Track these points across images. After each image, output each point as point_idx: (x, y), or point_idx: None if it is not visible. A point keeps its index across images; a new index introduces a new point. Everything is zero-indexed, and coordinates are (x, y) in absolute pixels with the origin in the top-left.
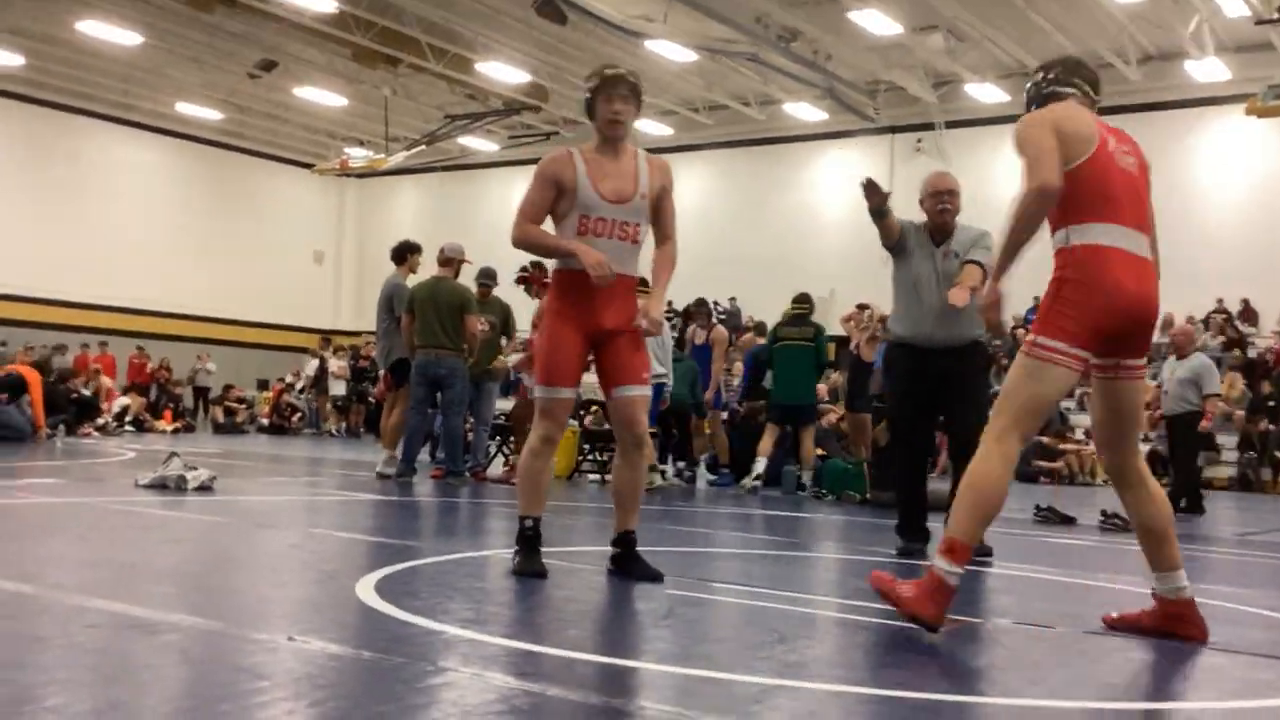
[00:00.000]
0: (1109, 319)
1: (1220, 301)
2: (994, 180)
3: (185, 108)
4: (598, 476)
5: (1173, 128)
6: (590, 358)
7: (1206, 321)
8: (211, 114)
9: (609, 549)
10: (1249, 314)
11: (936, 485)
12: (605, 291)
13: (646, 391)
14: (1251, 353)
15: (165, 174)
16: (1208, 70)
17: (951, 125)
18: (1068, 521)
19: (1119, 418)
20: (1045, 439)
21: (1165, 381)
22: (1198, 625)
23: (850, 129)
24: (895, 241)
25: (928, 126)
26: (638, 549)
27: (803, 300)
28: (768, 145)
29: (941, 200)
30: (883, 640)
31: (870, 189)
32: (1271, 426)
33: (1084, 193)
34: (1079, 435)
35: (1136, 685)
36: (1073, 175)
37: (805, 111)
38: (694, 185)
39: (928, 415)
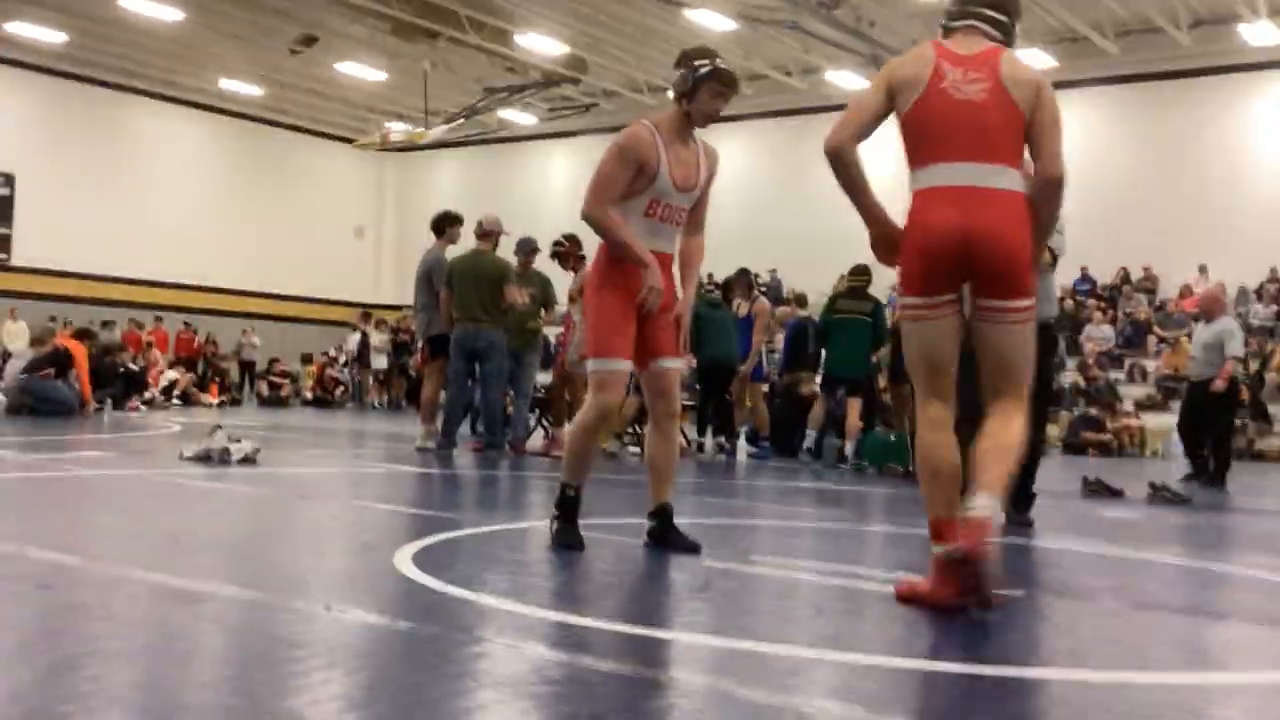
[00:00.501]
0: (925, 260)
1: (1273, 270)
2: None
3: (227, 84)
4: (638, 449)
5: (1224, 93)
6: None
7: (1259, 291)
8: (253, 90)
9: (646, 521)
10: None
11: None
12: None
13: (682, 365)
14: None
15: (208, 150)
16: (1260, 34)
17: None
18: (1116, 494)
19: (982, 362)
20: (1094, 410)
21: (1194, 347)
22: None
23: None
24: None
25: None
26: (675, 521)
27: (861, 272)
28: (810, 114)
29: None
30: (922, 614)
31: None
32: None
33: (912, 138)
34: (1128, 406)
35: (1179, 657)
36: (904, 124)
37: (848, 80)
38: (734, 157)
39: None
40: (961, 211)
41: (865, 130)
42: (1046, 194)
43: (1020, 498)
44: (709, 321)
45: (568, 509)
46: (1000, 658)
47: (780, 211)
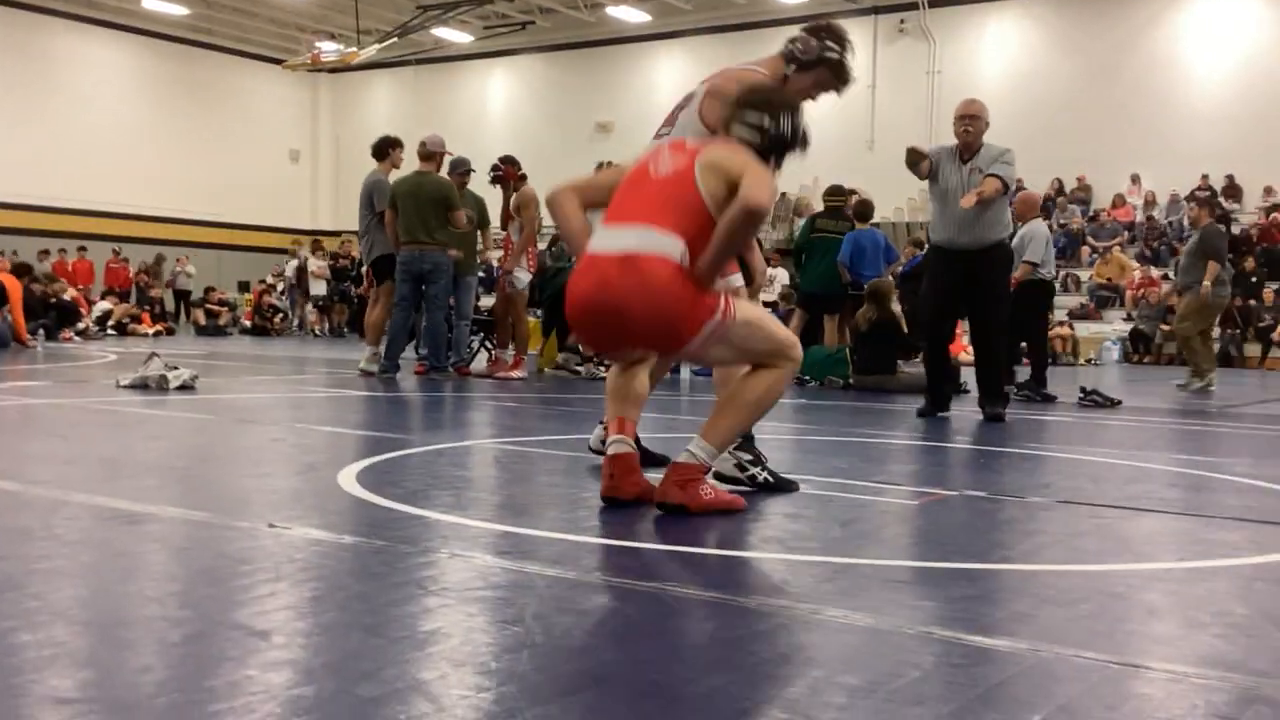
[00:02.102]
0: (578, 321)
1: (1205, 178)
2: (978, 60)
3: (151, 3)
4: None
5: (1156, 3)
6: None
7: (1190, 197)
8: (178, 9)
9: (592, 437)
10: (1233, 190)
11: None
12: None
13: None
14: (1235, 229)
15: (134, 73)
16: None
17: (935, 4)
18: (1049, 400)
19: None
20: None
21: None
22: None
23: (832, 10)
24: (927, 174)
25: (912, 7)
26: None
27: (836, 193)
28: (749, 30)
29: (963, 123)
30: (860, 515)
31: (911, 153)
32: (1253, 302)
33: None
34: (1061, 316)
35: (1106, 549)
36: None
37: None
38: (674, 74)
39: (953, 309)
40: (595, 279)
41: (585, 193)
42: (741, 221)
43: (992, 395)
44: None
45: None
46: (933, 553)
47: None
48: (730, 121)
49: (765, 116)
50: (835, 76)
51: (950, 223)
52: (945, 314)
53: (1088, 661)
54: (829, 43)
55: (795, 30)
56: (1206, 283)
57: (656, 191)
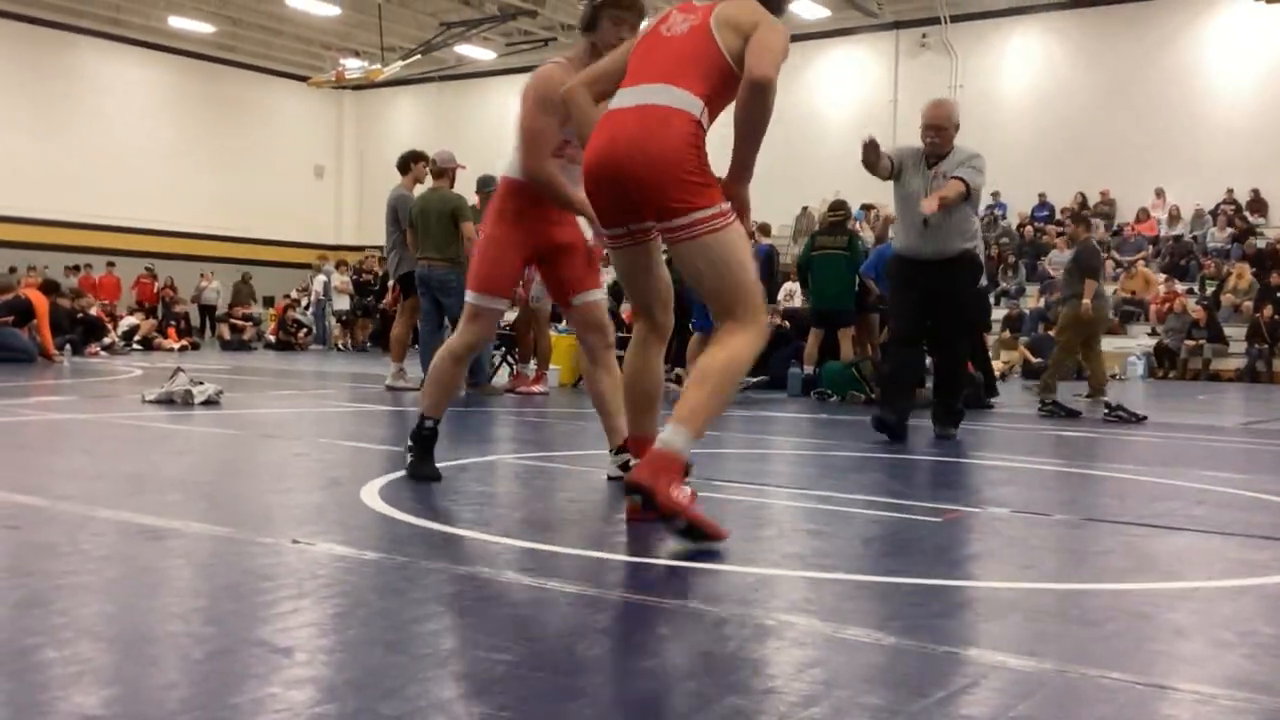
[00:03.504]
0: (589, 186)
1: (1230, 192)
2: (1000, 74)
3: (177, 21)
4: None
5: (1178, 16)
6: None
7: (1215, 212)
8: (204, 27)
9: (610, 458)
10: (1258, 204)
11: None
12: (556, 208)
13: (605, 296)
14: (1261, 243)
15: (160, 90)
16: None
17: (956, 19)
18: (1073, 415)
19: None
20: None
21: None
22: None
23: (853, 26)
24: (888, 176)
25: (933, 21)
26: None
27: (838, 208)
28: None
29: (930, 134)
30: (884, 532)
31: (867, 150)
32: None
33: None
34: None
35: (1132, 568)
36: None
37: (807, 9)
38: None
39: (918, 320)
40: (608, 134)
41: (597, 81)
42: (748, 97)
43: (944, 413)
44: None
45: (426, 442)
46: (957, 571)
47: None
48: None
49: None
50: (616, 8)
51: (912, 230)
52: (914, 326)
53: (1114, 682)
54: None
55: (815, 44)
56: (1086, 300)
57: (675, 50)
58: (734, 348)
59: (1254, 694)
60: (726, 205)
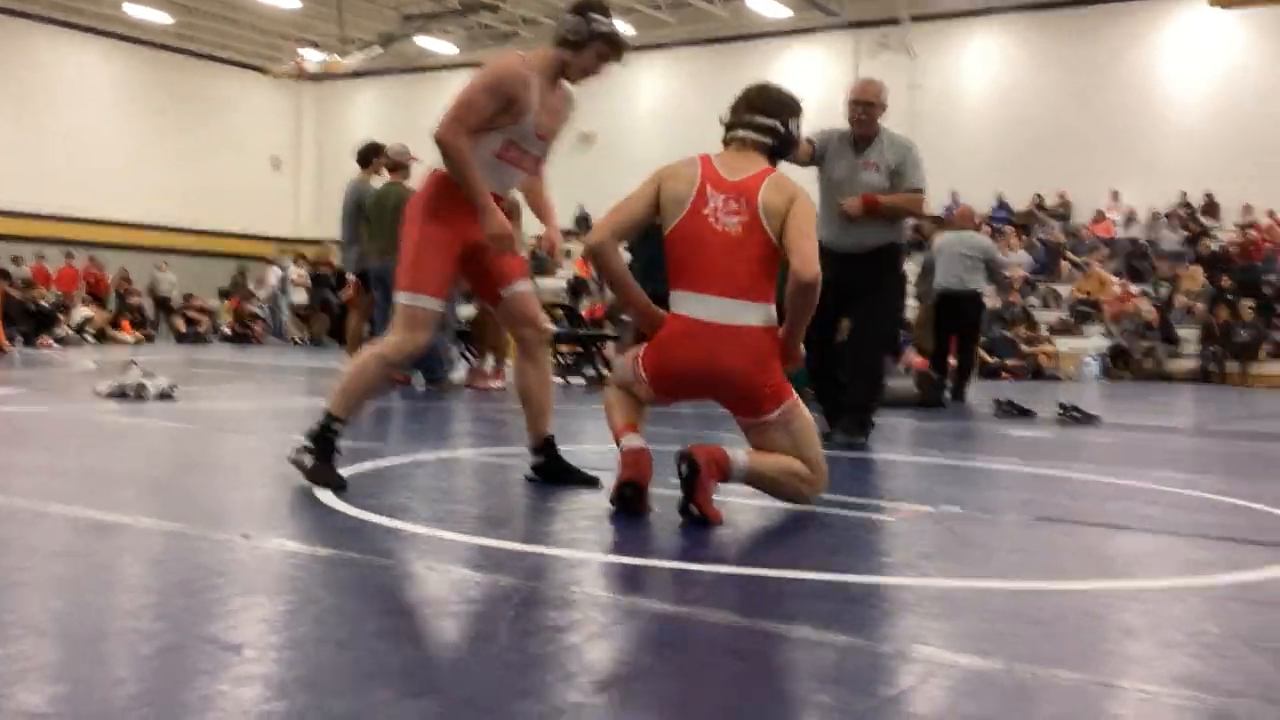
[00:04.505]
0: (663, 378)
1: (1184, 195)
2: (960, 75)
3: (132, 9)
4: (569, 379)
5: (1138, 20)
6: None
7: (1170, 215)
8: (160, 16)
9: (530, 456)
10: (1211, 208)
11: (900, 382)
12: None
13: (533, 286)
14: (1214, 246)
15: (116, 79)
16: None
17: (917, 20)
18: (1027, 414)
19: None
20: (1008, 334)
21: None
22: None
23: (814, 25)
24: (809, 161)
25: (893, 21)
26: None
27: None
28: (731, 43)
29: (856, 110)
30: (836, 530)
31: None
32: (1232, 319)
33: (674, 257)
34: (1043, 331)
35: (1083, 568)
36: (668, 240)
37: (769, 8)
38: (656, 86)
39: (829, 319)
40: (704, 348)
41: (625, 232)
42: (799, 296)
43: (850, 420)
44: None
45: (328, 445)
46: (908, 569)
47: (700, 141)
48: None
49: (778, 120)
50: (611, 47)
51: (832, 220)
52: (822, 326)
53: (1062, 681)
54: (595, 16)
55: (776, 43)
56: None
57: (737, 258)
58: (803, 481)
59: (1198, 692)
60: (794, 399)
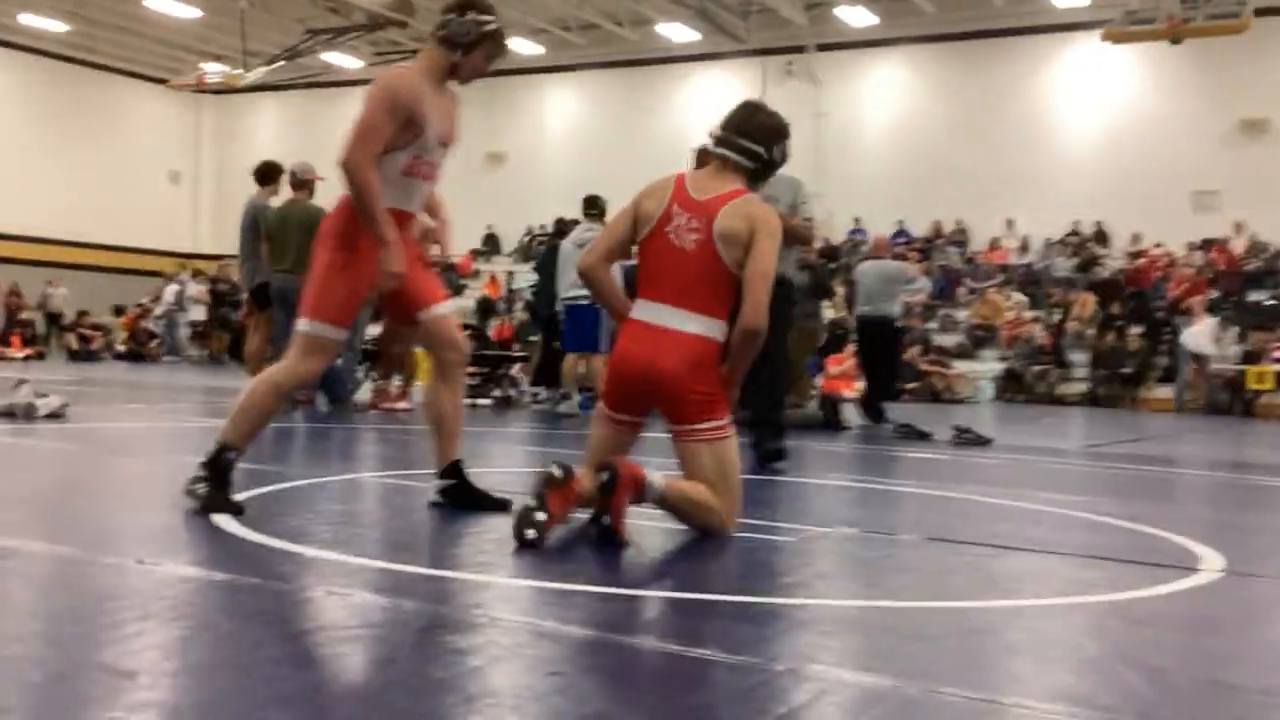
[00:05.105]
0: (615, 381)
1: (1075, 224)
2: (863, 104)
3: (29, 19)
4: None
5: (1033, 54)
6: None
7: (1063, 242)
8: (57, 25)
9: (437, 481)
10: (1102, 236)
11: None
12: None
13: (453, 309)
14: (1104, 273)
15: (9, 89)
16: None
17: (823, 48)
18: (924, 437)
19: (689, 473)
20: (905, 358)
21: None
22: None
23: (722, 51)
24: None
25: (799, 49)
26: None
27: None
28: (640, 67)
29: None
30: (736, 552)
31: None
32: (1121, 344)
33: (640, 268)
34: (942, 355)
35: (971, 586)
36: (639, 251)
37: (678, 32)
38: (565, 107)
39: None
40: (646, 348)
41: (610, 253)
42: (743, 342)
43: (773, 431)
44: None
45: (222, 473)
46: (803, 589)
47: (609, 162)
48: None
49: (761, 147)
50: (498, 45)
51: None
52: None
53: (948, 697)
54: (480, 16)
55: (684, 68)
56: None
57: (688, 273)
58: (713, 507)
59: (1076, 707)
60: (727, 423)
